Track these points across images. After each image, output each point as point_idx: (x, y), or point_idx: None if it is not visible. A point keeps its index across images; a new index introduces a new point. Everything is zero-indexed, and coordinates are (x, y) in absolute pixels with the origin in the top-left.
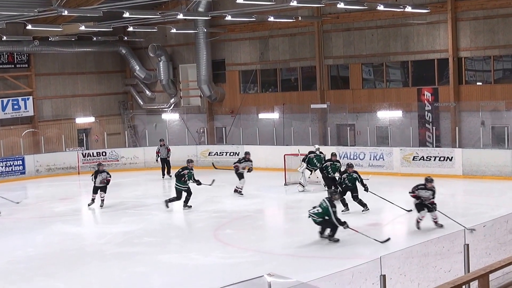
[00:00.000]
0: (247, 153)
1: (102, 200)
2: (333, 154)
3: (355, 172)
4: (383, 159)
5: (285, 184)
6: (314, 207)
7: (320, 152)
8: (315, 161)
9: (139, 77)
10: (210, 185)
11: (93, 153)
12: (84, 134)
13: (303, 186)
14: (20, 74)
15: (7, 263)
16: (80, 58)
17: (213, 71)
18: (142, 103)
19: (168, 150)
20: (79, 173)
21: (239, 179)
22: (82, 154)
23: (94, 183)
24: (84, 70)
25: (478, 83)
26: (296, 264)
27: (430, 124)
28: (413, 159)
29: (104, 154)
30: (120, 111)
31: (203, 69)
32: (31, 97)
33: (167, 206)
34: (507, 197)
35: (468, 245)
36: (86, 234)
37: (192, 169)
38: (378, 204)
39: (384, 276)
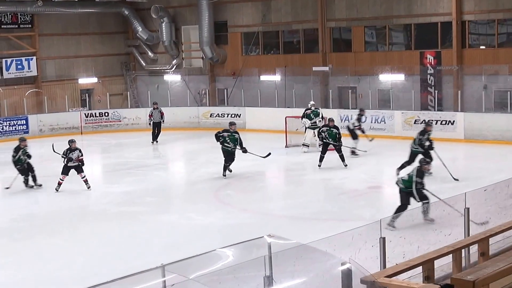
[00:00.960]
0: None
1: (86, 182)
2: (331, 120)
3: (336, 127)
4: (385, 122)
5: (286, 146)
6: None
7: (316, 108)
8: (312, 115)
9: (142, 38)
10: (264, 157)
11: (95, 113)
12: (86, 94)
13: (308, 146)
14: (24, 35)
15: (11, 221)
16: (83, 19)
17: (215, 32)
18: (144, 64)
19: (162, 114)
20: (82, 133)
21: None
22: (85, 114)
23: (66, 163)
24: (87, 30)
25: (481, 47)
26: (296, 226)
27: (432, 87)
28: (414, 123)
29: (106, 114)
30: (122, 72)
31: (205, 30)
32: (34, 57)
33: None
34: (508, 162)
35: (468, 208)
36: (88, 193)
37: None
38: (379, 167)
39: (384, 238)
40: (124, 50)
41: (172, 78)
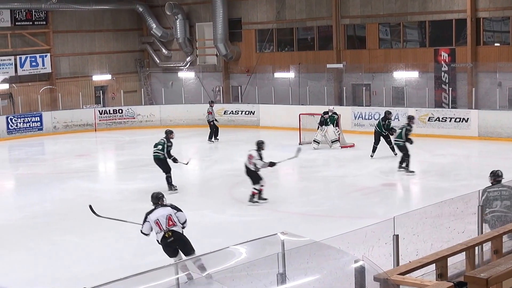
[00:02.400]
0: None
1: None
2: (330, 110)
3: (335, 113)
4: (399, 120)
5: (300, 144)
6: None
7: (334, 113)
8: (329, 121)
9: (156, 35)
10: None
11: (109, 110)
12: (101, 91)
13: (318, 143)
14: (38, 31)
15: (24, 217)
16: (97, 16)
17: (229, 29)
18: (158, 61)
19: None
20: (95, 130)
21: None
22: (99, 111)
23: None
24: (101, 27)
25: (496, 44)
26: (309, 223)
27: (447, 85)
28: (428, 120)
29: (120, 111)
30: (136, 69)
31: (220, 27)
32: (48, 54)
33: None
34: None
35: (482, 206)
36: (102, 190)
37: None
38: (392, 164)
39: (397, 236)
40: (138, 47)
41: (186, 75)
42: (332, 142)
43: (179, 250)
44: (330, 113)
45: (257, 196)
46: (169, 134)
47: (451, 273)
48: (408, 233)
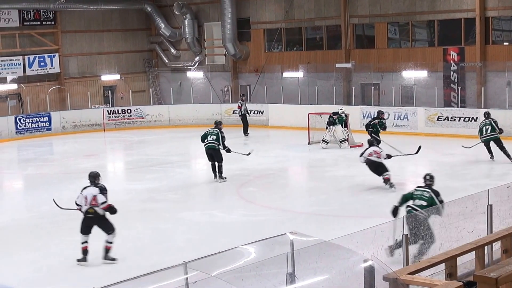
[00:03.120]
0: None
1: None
2: (340, 110)
3: (345, 114)
4: (407, 119)
5: (309, 143)
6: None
7: (344, 114)
8: (337, 121)
9: (164, 35)
10: (247, 154)
11: (118, 110)
12: (109, 91)
13: (327, 143)
14: (47, 31)
15: (33, 217)
16: (105, 16)
17: (238, 29)
18: (167, 61)
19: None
20: (104, 130)
21: None
22: (108, 111)
23: None
24: (110, 27)
25: (505, 43)
26: (318, 222)
27: (456, 84)
28: (437, 119)
29: (129, 111)
30: (145, 69)
31: (228, 27)
32: (57, 54)
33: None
34: None
35: (491, 205)
36: (110, 190)
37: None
38: (401, 164)
39: (407, 235)
40: (146, 47)
41: (195, 75)
42: (340, 141)
43: (95, 228)
44: (339, 114)
45: (389, 183)
46: (219, 124)
47: (461, 273)
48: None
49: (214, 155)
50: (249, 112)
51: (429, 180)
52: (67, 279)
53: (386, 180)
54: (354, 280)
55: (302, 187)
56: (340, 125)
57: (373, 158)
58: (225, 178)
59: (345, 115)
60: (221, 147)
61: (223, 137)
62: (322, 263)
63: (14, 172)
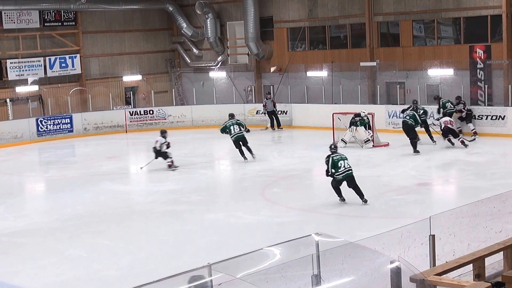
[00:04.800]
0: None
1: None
2: (363, 113)
3: (367, 117)
4: (434, 118)
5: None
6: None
7: (366, 117)
8: (359, 124)
9: (186, 35)
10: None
11: (140, 111)
12: (131, 92)
13: (346, 143)
14: (67, 32)
15: (56, 220)
16: (127, 16)
17: (260, 28)
18: (189, 61)
19: (274, 103)
20: (126, 132)
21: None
22: (130, 112)
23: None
24: (131, 27)
25: None
26: (343, 223)
27: (482, 82)
28: None
29: (151, 112)
30: (167, 69)
31: (251, 26)
32: (78, 55)
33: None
34: None
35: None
36: (133, 192)
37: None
38: (428, 163)
39: (433, 236)
40: (168, 47)
41: (218, 75)
42: (364, 142)
43: None
44: (361, 116)
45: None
46: (233, 116)
47: (489, 274)
48: (444, 233)
49: (242, 141)
50: (276, 108)
51: (333, 148)
52: (90, 283)
53: (462, 142)
54: (381, 281)
55: (327, 187)
56: (362, 127)
57: (449, 126)
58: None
59: (368, 118)
60: (245, 133)
61: (244, 125)
62: (348, 264)
63: (36, 174)
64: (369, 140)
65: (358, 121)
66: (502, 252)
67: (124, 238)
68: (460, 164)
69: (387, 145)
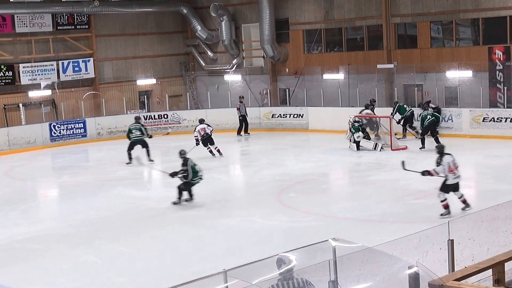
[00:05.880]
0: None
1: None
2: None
3: (358, 122)
4: (452, 121)
5: (350, 147)
6: None
7: (356, 122)
8: (353, 130)
9: (201, 38)
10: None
11: (154, 115)
12: (145, 96)
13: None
14: (81, 36)
15: (69, 226)
16: (140, 19)
17: (276, 30)
18: (204, 64)
19: (245, 108)
20: None
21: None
22: (144, 116)
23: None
24: (145, 30)
25: None
26: (361, 228)
27: (502, 84)
28: (483, 121)
29: (165, 116)
30: (181, 73)
31: (266, 28)
32: (91, 59)
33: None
34: None
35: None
36: (147, 198)
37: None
38: None
39: (452, 241)
40: (183, 50)
41: (233, 78)
42: (375, 148)
43: None
44: (354, 123)
45: None
46: (138, 119)
47: (509, 279)
48: (463, 238)
49: (142, 145)
50: (247, 113)
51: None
52: None
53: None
54: (399, 287)
55: (344, 192)
56: (360, 132)
57: None
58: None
59: (358, 123)
60: (145, 137)
61: (146, 128)
62: (365, 270)
63: (50, 180)
64: (377, 145)
65: (352, 126)
66: None
67: (138, 244)
68: (479, 167)
69: (405, 148)
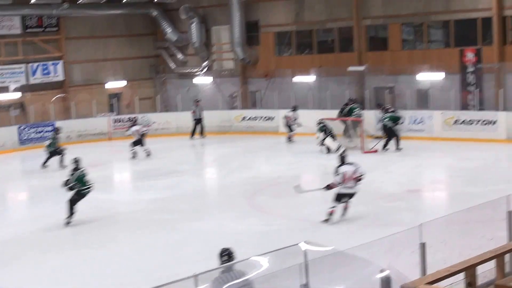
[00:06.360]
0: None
1: None
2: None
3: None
4: (424, 123)
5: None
6: None
7: (320, 123)
8: (317, 131)
9: (171, 40)
10: None
11: (124, 118)
12: (115, 99)
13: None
14: (50, 38)
15: (39, 230)
16: (110, 21)
17: (246, 33)
18: (173, 67)
19: (202, 111)
20: (110, 139)
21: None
22: (113, 119)
23: None
24: (115, 33)
25: None
26: (332, 231)
27: (473, 86)
28: (454, 123)
29: (135, 119)
30: (151, 75)
31: (237, 31)
32: (61, 62)
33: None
34: None
35: (511, 212)
36: (118, 201)
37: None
38: (418, 170)
39: (424, 244)
40: (153, 53)
41: (203, 80)
42: (337, 150)
43: None
44: (319, 124)
45: None
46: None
47: (481, 282)
48: (435, 241)
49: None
50: (203, 117)
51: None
52: None
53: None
54: None
55: (315, 195)
56: (321, 134)
57: None
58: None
59: (322, 123)
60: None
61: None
62: (337, 273)
63: (19, 184)
64: (340, 147)
65: (318, 128)
66: (494, 260)
67: (109, 248)
68: (450, 170)
69: (376, 151)
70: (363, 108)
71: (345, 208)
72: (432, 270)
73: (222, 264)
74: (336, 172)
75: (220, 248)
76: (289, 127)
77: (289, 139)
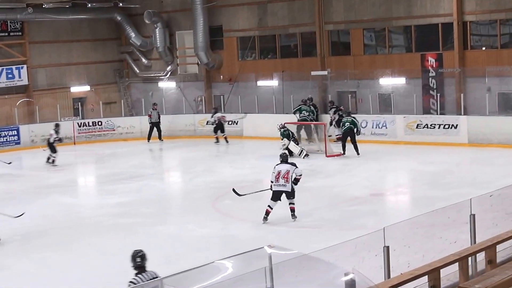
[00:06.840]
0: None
1: None
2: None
3: (284, 127)
4: (386, 127)
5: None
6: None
7: (282, 128)
8: (281, 136)
9: (135, 45)
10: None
11: (88, 122)
12: (79, 103)
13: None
14: (14, 42)
15: (3, 235)
16: (74, 26)
17: (210, 37)
18: (138, 71)
19: (159, 115)
20: (74, 143)
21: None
22: (78, 123)
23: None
24: (79, 37)
25: (483, 48)
26: (297, 235)
27: (435, 91)
28: (416, 127)
29: (100, 123)
30: (115, 80)
31: (200, 35)
32: (25, 66)
33: None
34: None
35: (474, 215)
36: (82, 205)
37: None
38: (381, 174)
39: (388, 247)
40: (117, 57)
41: (167, 85)
42: (299, 155)
43: None
44: (280, 129)
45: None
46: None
47: (444, 285)
48: (399, 244)
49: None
50: (160, 120)
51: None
52: None
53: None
54: None
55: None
56: (286, 139)
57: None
58: None
59: (284, 128)
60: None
61: None
62: (301, 277)
63: None
64: (302, 150)
65: (280, 133)
66: (457, 263)
67: (73, 252)
68: (413, 174)
69: (340, 155)
70: (318, 111)
71: (291, 210)
72: (396, 273)
73: (135, 266)
74: (272, 171)
75: (132, 250)
76: (221, 128)
77: (226, 140)
